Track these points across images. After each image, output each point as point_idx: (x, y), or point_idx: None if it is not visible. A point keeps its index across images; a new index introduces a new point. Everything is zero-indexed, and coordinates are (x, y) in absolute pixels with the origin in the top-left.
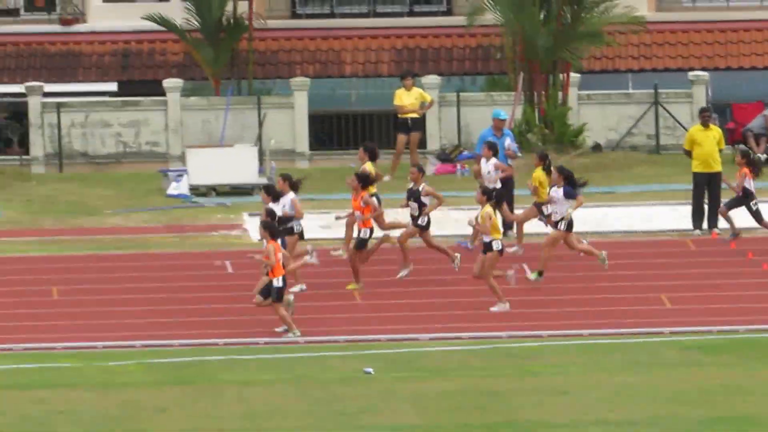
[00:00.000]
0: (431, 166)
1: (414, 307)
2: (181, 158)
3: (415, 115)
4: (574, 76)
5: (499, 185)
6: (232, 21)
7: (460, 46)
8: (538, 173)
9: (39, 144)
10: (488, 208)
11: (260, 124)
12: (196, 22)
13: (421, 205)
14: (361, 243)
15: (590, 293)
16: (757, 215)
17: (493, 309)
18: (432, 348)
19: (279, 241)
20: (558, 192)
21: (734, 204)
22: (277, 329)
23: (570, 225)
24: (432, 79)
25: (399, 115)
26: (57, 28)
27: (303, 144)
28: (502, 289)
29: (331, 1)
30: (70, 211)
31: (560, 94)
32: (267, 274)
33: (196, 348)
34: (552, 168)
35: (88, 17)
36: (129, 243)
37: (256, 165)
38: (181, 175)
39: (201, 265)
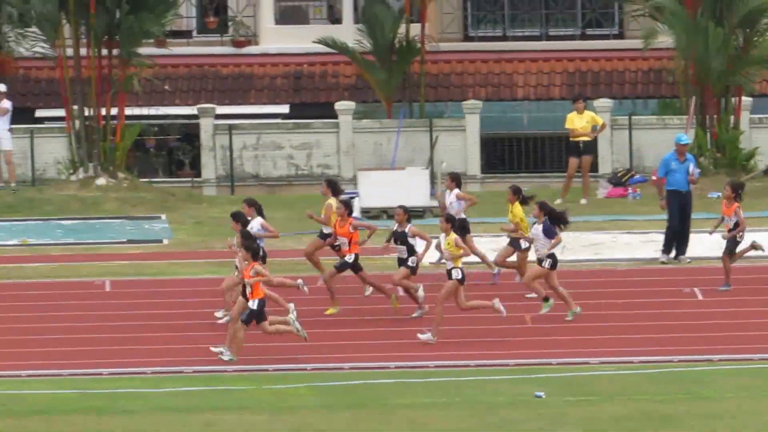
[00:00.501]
0: (602, 190)
1: (584, 331)
2: (353, 181)
3: (586, 139)
4: (746, 100)
5: (462, 215)
6: (404, 43)
7: (632, 70)
8: (517, 210)
9: (210, 166)
10: (453, 235)
11: (432, 146)
12: (368, 45)
13: (409, 247)
14: (344, 266)
15: (763, 317)
16: (732, 246)
17: (422, 336)
18: (603, 372)
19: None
20: (538, 229)
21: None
22: (213, 348)
23: (554, 263)
24: (604, 102)
25: (570, 139)
26: (229, 50)
27: (474, 167)
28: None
29: (504, 24)
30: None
31: (732, 117)
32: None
33: (367, 371)
34: (528, 200)
35: (260, 39)
36: (299, 265)
37: (428, 188)
38: (353, 198)
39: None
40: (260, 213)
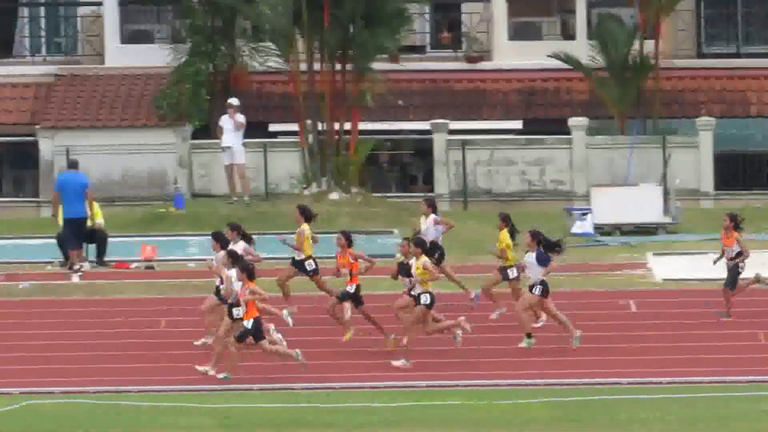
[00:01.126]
0: None
1: None
2: (586, 197)
3: None
4: None
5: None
6: (638, 60)
7: None
8: (504, 236)
9: (443, 181)
10: (424, 259)
11: (665, 163)
12: (601, 61)
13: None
14: (345, 296)
15: None
16: (733, 277)
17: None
18: None
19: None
20: (531, 257)
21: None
22: (199, 367)
23: (545, 290)
24: None
25: None
26: (463, 65)
27: (708, 184)
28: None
29: (737, 41)
30: (472, 248)
31: None
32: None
33: (600, 387)
34: (515, 229)
35: (493, 55)
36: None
37: (661, 204)
38: (585, 214)
39: (604, 304)
40: (247, 240)
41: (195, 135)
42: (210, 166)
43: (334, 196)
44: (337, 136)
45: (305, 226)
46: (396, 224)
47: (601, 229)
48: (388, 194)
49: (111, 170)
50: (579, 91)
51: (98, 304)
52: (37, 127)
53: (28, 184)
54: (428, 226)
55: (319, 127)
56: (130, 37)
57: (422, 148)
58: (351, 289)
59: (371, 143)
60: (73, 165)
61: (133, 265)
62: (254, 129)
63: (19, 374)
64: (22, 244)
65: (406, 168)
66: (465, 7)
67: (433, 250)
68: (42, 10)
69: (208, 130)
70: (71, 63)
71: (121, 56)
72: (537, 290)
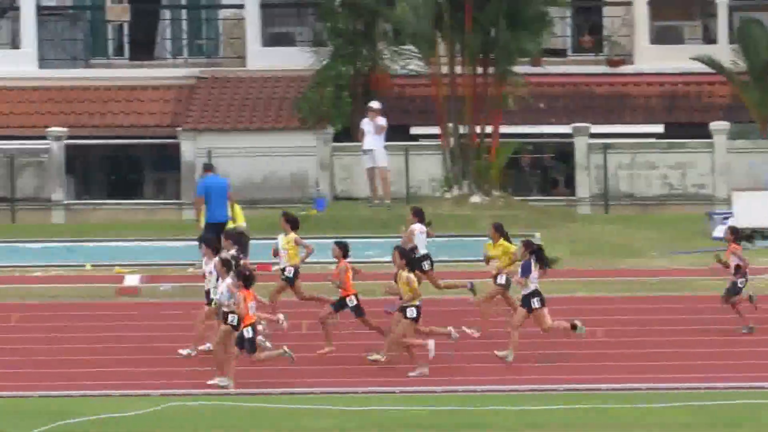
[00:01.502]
0: None
1: None
2: (727, 201)
3: None
4: None
5: (424, 251)
6: None
7: None
8: (506, 246)
9: (585, 185)
10: (406, 272)
11: None
12: (743, 65)
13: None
14: (340, 305)
15: None
16: (732, 290)
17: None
18: None
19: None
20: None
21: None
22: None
23: (542, 300)
24: None
25: None
26: (604, 69)
27: None
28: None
29: None
30: (614, 252)
31: None
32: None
33: (745, 391)
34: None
35: (635, 58)
36: (672, 285)
37: None
38: (727, 218)
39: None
40: (238, 243)
41: (336, 138)
42: (351, 169)
43: (476, 199)
44: (478, 140)
45: (292, 235)
46: (537, 228)
47: (743, 233)
48: (529, 197)
49: (252, 173)
50: (720, 95)
51: None
52: (178, 129)
53: (170, 186)
54: (414, 235)
55: (461, 131)
56: (271, 39)
57: (563, 152)
58: (351, 302)
59: (512, 146)
60: (208, 168)
61: (275, 267)
62: (395, 132)
63: (160, 376)
64: (163, 246)
65: (548, 171)
66: (606, 11)
67: (423, 260)
68: (183, 13)
69: (349, 133)
70: (213, 65)
71: (263, 59)
72: (536, 302)
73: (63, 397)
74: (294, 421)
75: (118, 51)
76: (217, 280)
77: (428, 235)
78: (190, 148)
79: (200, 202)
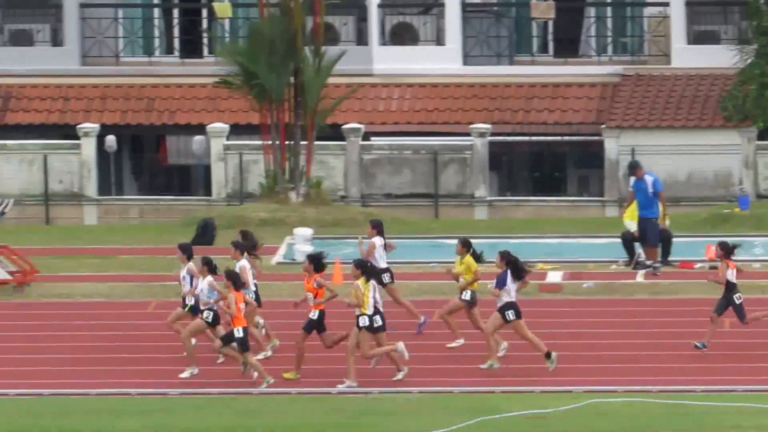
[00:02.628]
0: None
1: None
2: None
3: None
4: None
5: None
6: None
7: None
8: (470, 262)
9: None
10: (360, 281)
11: None
12: None
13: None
14: (311, 325)
15: None
16: (739, 310)
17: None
18: None
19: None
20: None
21: (724, 305)
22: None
23: (518, 312)
24: None
25: None
26: None
27: None
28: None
29: None
30: None
31: None
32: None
33: None
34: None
35: None
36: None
37: None
38: None
39: None
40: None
41: (761, 136)
42: None
43: None
44: None
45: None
46: None
47: None
48: None
49: (676, 170)
50: None
51: (660, 304)
52: (602, 126)
53: (593, 183)
54: (370, 249)
55: None
56: (696, 37)
57: None
58: (313, 315)
59: None
60: (633, 166)
61: (697, 265)
62: None
63: (586, 373)
64: (586, 243)
65: None
66: None
67: (383, 272)
68: (609, 11)
69: None
70: (637, 63)
71: (687, 57)
72: (510, 315)
73: (483, 393)
74: (718, 420)
75: (543, 48)
76: (191, 283)
77: (387, 248)
78: (614, 146)
79: (631, 196)
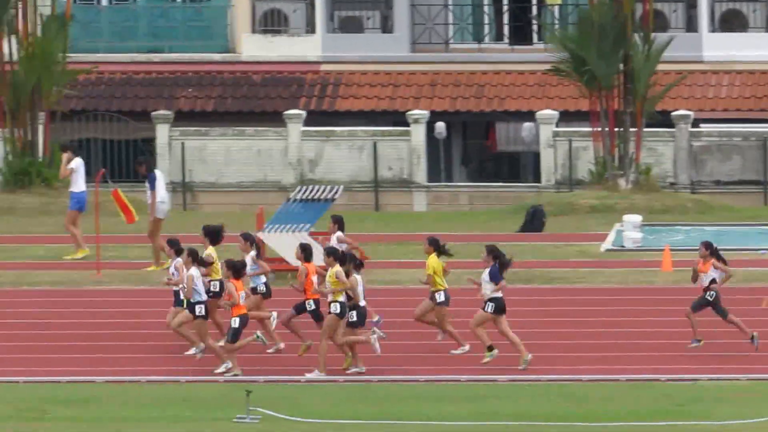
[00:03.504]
0: None
1: None
2: None
3: None
4: None
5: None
6: None
7: None
8: (432, 261)
9: None
10: (337, 268)
11: None
12: None
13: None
14: (300, 309)
15: None
16: (701, 303)
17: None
18: None
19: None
20: (485, 273)
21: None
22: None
23: (498, 308)
24: None
25: None
26: None
27: None
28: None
29: None
30: None
31: None
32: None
33: None
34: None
35: None
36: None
37: None
38: None
39: None
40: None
41: None
42: None
43: None
44: None
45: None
46: None
47: None
48: None
49: None
50: None
51: None
52: None
53: None
54: (332, 244)
55: None
56: None
57: None
58: (309, 306)
59: None
60: None
61: None
62: None
63: None
64: None
65: None
66: None
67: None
68: None
69: None
70: None
71: None
72: (489, 308)
73: None
74: None
75: None
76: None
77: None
78: None
79: None
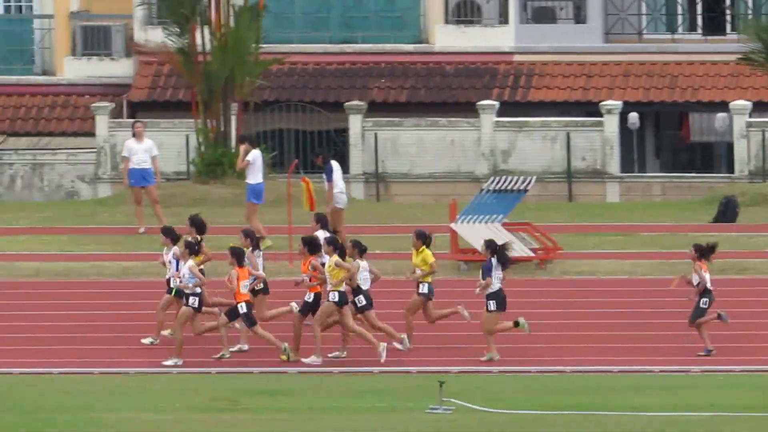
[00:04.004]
0: None
1: None
2: None
3: None
4: None
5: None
6: None
7: None
8: (427, 254)
9: None
10: (335, 257)
11: None
12: None
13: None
14: (306, 307)
15: None
16: (698, 313)
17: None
18: None
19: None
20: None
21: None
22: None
23: (500, 304)
24: None
25: None
26: None
27: None
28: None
29: None
30: None
31: None
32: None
33: None
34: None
35: None
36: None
37: None
38: None
39: None
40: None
41: None
42: None
43: None
44: None
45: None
46: None
47: None
48: None
49: None
50: None
51: None
52: None
53: None
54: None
55: None
56: None
57: None
58: (309, 298)
59: None
60: None
61: None
62: None
63: None
64: None
65: None
66: None
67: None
68: None
69: None
70: None
71: None
72: (491, 305)
73: None
74: None
75: None
76: (177, 267)
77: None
78: None
79: None
